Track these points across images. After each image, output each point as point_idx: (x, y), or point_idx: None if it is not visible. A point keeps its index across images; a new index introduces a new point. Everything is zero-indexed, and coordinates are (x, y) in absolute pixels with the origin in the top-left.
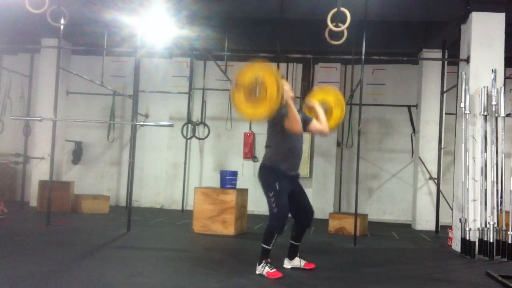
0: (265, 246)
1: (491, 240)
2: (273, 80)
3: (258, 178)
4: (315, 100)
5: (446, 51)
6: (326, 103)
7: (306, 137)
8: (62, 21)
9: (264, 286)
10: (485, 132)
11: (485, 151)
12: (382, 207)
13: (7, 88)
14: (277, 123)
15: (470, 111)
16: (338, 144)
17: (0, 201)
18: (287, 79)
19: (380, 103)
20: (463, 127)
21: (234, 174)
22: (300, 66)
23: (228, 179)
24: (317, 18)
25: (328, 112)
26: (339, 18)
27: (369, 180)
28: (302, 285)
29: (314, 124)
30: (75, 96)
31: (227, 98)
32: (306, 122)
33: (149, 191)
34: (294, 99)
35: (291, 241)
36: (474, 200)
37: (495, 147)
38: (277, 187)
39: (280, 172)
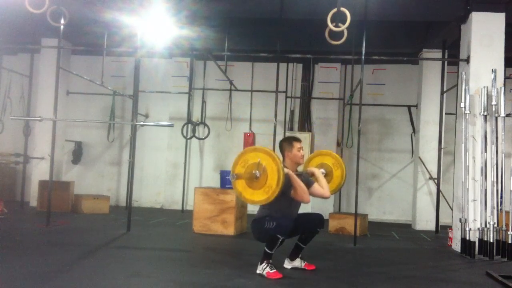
0: (267, 250)
1: (491, 240)
2: (274, 167)
3: (252, 232)
4: (314, 167)
5: (446, 51)
6: (325, 166)
7: (306, 136)
8: (62, 21)
9: (264, 286)
10: (485, 132)
11: (485, 151)
12: (382, 207)
13: (7, 88)
14: (285, 192)
15: (470, 111)
16: (338, 144)
17: (0, 201)
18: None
19: (380, 103)
20: (463, 127)
21: None
22: (300, 66)
23: (228, 179)
24: (317, 18)
25: (329, 175)
26: (339, 18)
27: (369, 180)
28: (302, 285)
29: (316, 188)
30: (75, 96)
31: (227, 98)
32: (308, 185)
33: (149, 191)
34: (303, 161)
35: (297, 242)
36: (474, 200)
37: (495, 147)
38: (267, 218)
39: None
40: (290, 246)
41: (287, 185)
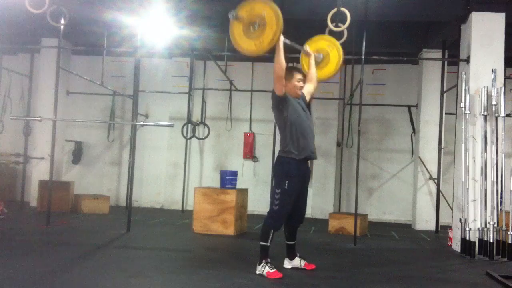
0: (263, 243)
1: (491, 240)
2: (274, 23)
3: (273, 168)
4: (312, 50)
5: (446, 51)
6: (320, 50)
7: None
8: (62, 21)
9: (264, 286)
10: (485, 132)
11: (485, 151)
12: (382, 207)
13: (7, 88)
14: (281, 109)
15: (470, 111)
16: (338, 144)
17: (0, 201)
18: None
19: (380, 103)
20: (463, 127)
21: (234, 174)
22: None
23: (228, 179)
24: (317, 18)
25: (326, 58)
26: (339, 18)
27: (369, 180)
28: (302, 285)
29: (308, 84)
30: (75, 96)
31: (227, 98)
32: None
33: (149, 191)
34: (300, 92)
35: (286, 242)
36: (474, 200)
37: (495, 147)
38: (286, 186)
39: (294, 165)
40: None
41: (281, 104)
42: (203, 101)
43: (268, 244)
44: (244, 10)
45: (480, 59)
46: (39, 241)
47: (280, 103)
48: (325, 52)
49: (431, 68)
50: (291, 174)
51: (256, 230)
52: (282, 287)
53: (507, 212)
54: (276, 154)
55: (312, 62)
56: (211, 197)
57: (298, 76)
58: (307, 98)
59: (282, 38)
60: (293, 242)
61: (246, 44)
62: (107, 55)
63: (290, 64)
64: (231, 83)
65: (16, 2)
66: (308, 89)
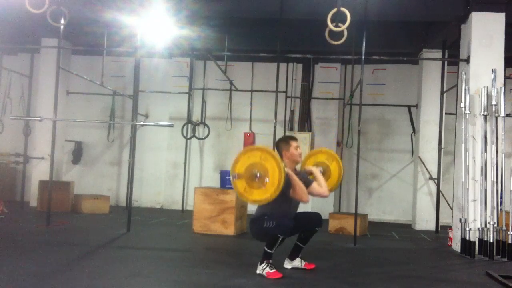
0: (267, 250)
1: (491, 240)
2: (274, 164)
3: (250, 232)
4: (311, 166)
5: (446, 51)
6: (321, 164)
7: (306, 136)
8: (62, 21)
9: (264, 286)
10: (485, 132)
11: (485, 151)
12: (382, 207)
13: (7, 88)
14: (284, 191)
15: (470, 111)
16: (338, 144)
17: (0, 201)
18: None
19: (380, 103)
20: (463, 127)
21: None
22: (300, 66)
23: (228, 179)
24: (317, 18)
25: (326, 171)
26: (339, 18)
27: (369, 180)
28: (302, 285)
29: (315, 187)
30: (75, 96)
31: (227, 98)
32: (306, 185)
33: (149, 191)
34: (301, 159)
35: (296, 242)
36: (474, 200)
37: (495, 147)
38: (265, 217)
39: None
40: (290, 246)
41: (287, 184)
42: (203, 101)
43: (272, 252)
44: (240, 165)
45: (480, 59)
46: (39, 241)
47: (288, 188)
48: (325, 166)
49: (431, 68)
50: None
51: None
52: (282, 287)
53: (507, 212)
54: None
55: (318, 175)
56: (211, 197)
57: (295, 144)
58: (308, 190)
59: (287, 169)
60: (303, 246)
61: (257, 195)
62: (107, 55)
63: (290, 65)
64: (231, 83)
65: (16, 2)
66: (314, 186)
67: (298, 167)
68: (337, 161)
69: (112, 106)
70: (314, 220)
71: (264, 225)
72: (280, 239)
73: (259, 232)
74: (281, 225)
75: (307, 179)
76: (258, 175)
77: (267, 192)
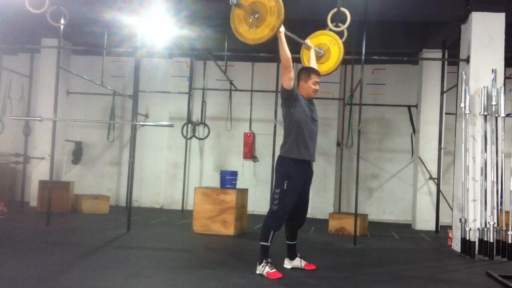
0: (263, 243)
1: (491, 240)
2: (275, 12)
3: (274, 168)
4: (313, 46)
5: (446, 51)
6: (322, 46)
7: None
8: (62, 21)
9: (264, 286)
10: (485, 132)
11: (485, 151)
12: (382, 207)
13: (7, 88)
14: (289, 105)
15: (470, 111)
16: (338, 144)
17: (0, 201)
18: None
19: (380, 103)
20: (463, 127)
21: (234, 174)
22: (300, 66)
23: (228, 179)
24: (317, 18)
25: (326, 53)
26: (339, 18)
27: (369, 180)
28: (302, 285)
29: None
30: (75, 96)
31: (227, 98)
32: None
33: (149, 191)
34: (315, 95)
35: (287, 242)
36: (474, 200)
37: (495, 147)
38: (285, 186)
39: (295, 166)
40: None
41: (290, 100)
42: (203, 101)
43: (268, 244)
44: None
45: (480, 59)
46: (39, 241)
47: (289, 99)
48: (326, 48)
49: (431, 68)
50: (291, 174)
51: (256, 230)
52: (282, 287)
53: (507, 212)
54: (277, 154)
55: (313, 55)
56: (211, 197)
57: (315, 78)
58: None
59: (283, 28)
60: (294, 242)
61: (245, 31)
62: (107, 55)
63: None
64: (231, 83)
65: (16, 2)
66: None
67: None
68: (339, 45)
69: (112, 106)
70: (301, 220)
71: (276, 194)
72: (272, 232)
73: (274, 186)
74: (280, 217)
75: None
76: (257, 15)
77: (258, 34)
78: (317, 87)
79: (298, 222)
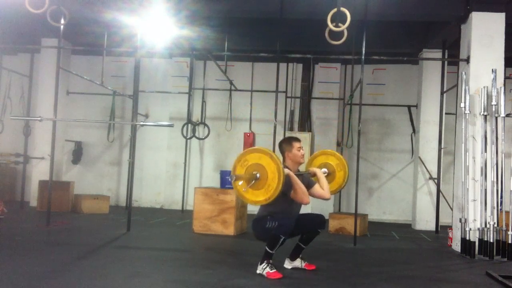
0: (268, 250)
1: (491, 240)
2: (274, 167)
3: (252, 232)
4: (316, 168)
5: (446, 51)
6: (328, 166)
7: (306, 136)
8: (62, 21)
9: (264, 286)
10: (485, 132)
11: (485, 151)
12: (382, 207)
13: (7, 88)
14: (285, 193)
15: (470, 111)
16: (338, 144)
17: (0, 201)
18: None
19: (380, 103)
20: (463, 127)
21: None
22: (300, 66)
23: (228, 179)
24: (317, 18)
25: (331, 175)
26: (339, 18)
27: (369, 180)
28: (302, 285)
29: (317, 190)
30: (75, 96)
31: (227, 98)
32: (308, 186)
33: (149, 191)
34: (303, 160)
35: (298, 242)
36: (474, 200)
37: (495, 147)
38: (268, 217)
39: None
40: (291, 246)
41: (287, 185)
42: (203, 101)
43: (273, 252)
44: (239, 167)
45: (480, 59)
46: (39, 241)
47: (289, 189)
48: (332, 169)
49: (431, 68)
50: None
51: None
52: (282, 287)
53: (507, 212)
54: (277, 154)
55: (320, 174)
56: (211, 197)
57: (297, 144)
58: (310, 191)
59: (287, 170)
60: (305, 247)
61: (257, 196)
62: (107, 55)
63: (290, 65)
64: (231, 83)
65: (16, 2)
66: (316, 189)
67: (302, 168)
68: (345, 172)
69: (112, 106)
70: (317, 222)
71: (267, 225)
72: (282, 239)
73: (262, 232)
74: (283, 225)
75: (309, 180)
76: (257, 176)
77: (267, 193)
78: (302, 152)
79: (316, 227)
